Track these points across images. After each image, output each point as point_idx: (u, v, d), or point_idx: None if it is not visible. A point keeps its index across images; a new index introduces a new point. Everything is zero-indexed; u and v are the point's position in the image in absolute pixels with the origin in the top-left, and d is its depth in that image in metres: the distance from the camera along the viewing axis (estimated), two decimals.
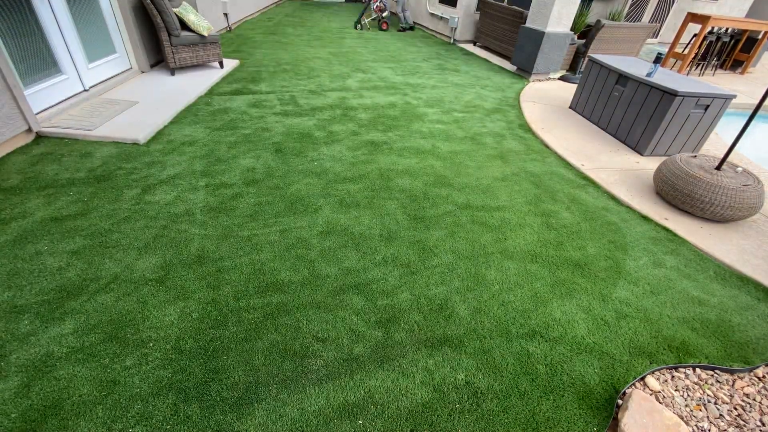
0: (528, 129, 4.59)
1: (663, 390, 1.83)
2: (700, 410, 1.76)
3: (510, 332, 2.04)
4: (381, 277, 2.30)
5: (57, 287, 2.04)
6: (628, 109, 4.25)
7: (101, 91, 4.24)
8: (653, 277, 2.49)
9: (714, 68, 8.02)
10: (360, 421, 1.60)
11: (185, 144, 3.53)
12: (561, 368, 1.88)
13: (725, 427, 1.70)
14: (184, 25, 4.95)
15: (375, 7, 9.53)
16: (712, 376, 1.93)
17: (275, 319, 1.99)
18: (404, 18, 9.70)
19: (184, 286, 2.12)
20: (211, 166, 3.24)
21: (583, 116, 5.04)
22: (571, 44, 6.53)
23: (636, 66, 4.52)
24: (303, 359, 1.81)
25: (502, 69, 7.00)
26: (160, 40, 4.91)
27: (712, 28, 7.37)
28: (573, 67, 6.82)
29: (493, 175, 3.50)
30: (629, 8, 10.16)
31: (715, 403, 1.79)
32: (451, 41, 8.73)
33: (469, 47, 8.44)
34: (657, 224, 3.01)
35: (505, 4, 7.54)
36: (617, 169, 3.78)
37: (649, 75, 4.08)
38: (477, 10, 8.41)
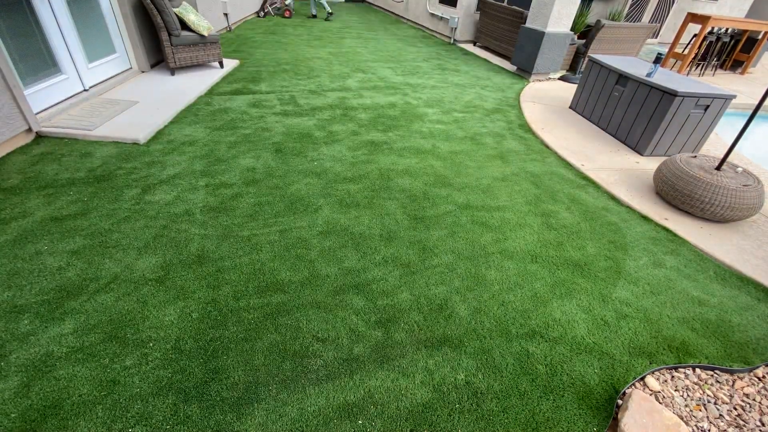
0: (528, 129, 4.59)
1: (663, 390, 1.83)
2: (700, 410, 1.76)
3: (510, 332, 2.04)
4: (381, 277, 2.30)
5: (57, 287, 2.04)
6: (628, 110, 4.25)
7: (101, 91, 4.24)
8: (653, 277, 2.49)
9: (714, 68, 8.02)
10: (360, 421, 1.60)
11: (185, 144, 3.53)
12: (561, 368, 1.88)
13: (725, 427, 1.70)
14: (184, 25, 4.95)
15: None
16: (712, 376, 1.93)
17: (275, 319, 1.99)
18: (315, 3, 10.10)
19: (184, 286, 2.12)
20: (211, 166, 3.24)
21: (583, 116, 5.04)
22: (571, 44, 6.53)
23: (636, 66, 4.52)
24: (303, 359, 1.81)
25: (502, 69, 7.00)
26: (160, 40, 4.91)
27: (712, 28, 7.37)
28: (573, 67, 6.82)
29: (493, 175, 3.50)
30: (629, 8, 10.16)
31: (715, 403, 1.80)
32: (451, 41, 8.73)
33: (469, 47, 8.44)
34: (657, 224, 3.01)
35: (505, 4, 7.55)
36: (617, 169, 3.78)
37: (649, 75, 4.08)
38: (477, 10, 8.41)
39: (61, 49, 3.76)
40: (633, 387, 1.84)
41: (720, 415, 1.75)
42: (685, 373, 1.93)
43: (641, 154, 4.11)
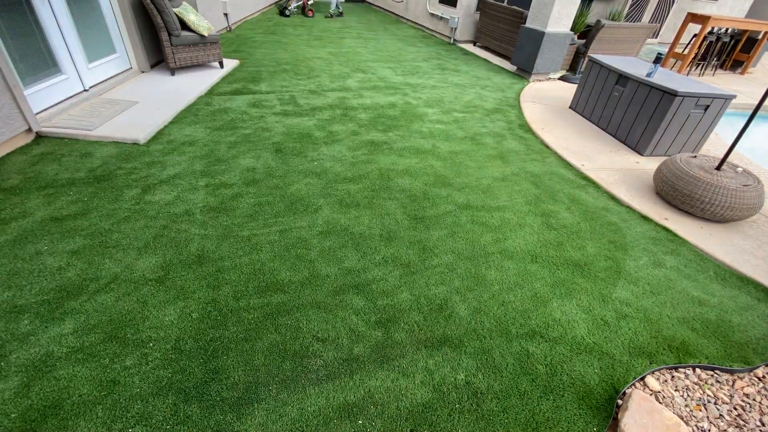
0: (528, 129, 4.59)
1: (663, 390, 1.83)
2: (700, 410, 1.76)
3: (510, 332, 2.04)
4: (381, 277, 2.30)
5: (57, 287, 2.04)
6: (628, 109, 4.25)
7: (101, 91, 4.24)
8: (653, 277, 2.49)
9: (714, 68, 8.02)
10: (360, 421, 1.60)
11: (185, 144, 3.53)
12: (561, 368, 1.88)
13: (725, 427, 1.70)
14: (184, 25, 4.95)
15: None
16: (712, 376, 1.93)
17: (275, 319, 1.99)
18: (335, 4, 10.47)
19: (184, 286, 2.12)
20: (211, 166, 3.24)
21: (583, 116, 5.04)
22: (571, 44, 6.53)
23: (636, 66, 4.52)
24: (303, 359, 1.81)
25: (502, 69, 7.00)
26: (160, 40, 4.91)
27: (712, 28, 7.37)
28: (573, 67, 6.82)
29: (493, 175, 3.50)
30: (629, 8, 10.16)
31: (715, 403, 1.80)
32: (451, 41, 8.74)
33: (469, 47, 8.44)
34: (657, 224, 3.01)
35: (505, 4, 7.55)
36: (617, 169, 3.78)
37: (649, 75, 4.08)
38: (477, 10, 8.41)
39: (61, 49, 3.76)
40: (633, 387, 1.84)
41: (720, 415, 1.75)
42: (685, 373, 1.93)
43: (641, 154, 4.11)
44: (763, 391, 1.88)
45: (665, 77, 4.10)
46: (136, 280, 2.13)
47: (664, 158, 4.05)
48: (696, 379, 1.90)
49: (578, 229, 2.89)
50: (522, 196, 3.24)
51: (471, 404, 1.70)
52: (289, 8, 10.14)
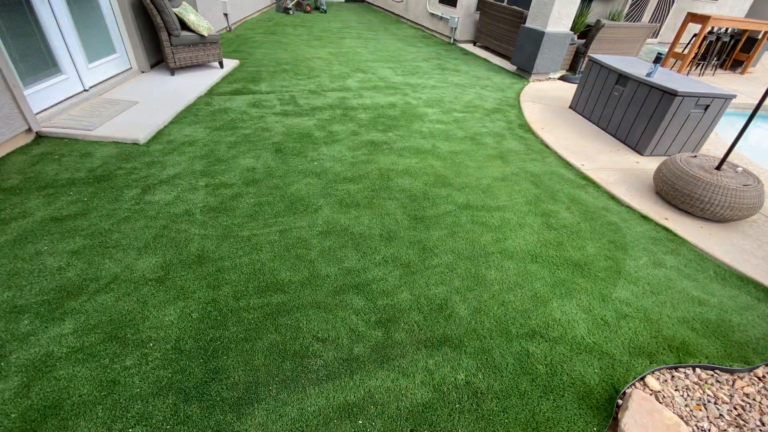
0: (528, 129, 4.59)
1: (663, 390, 1.83)
2: (700, 410, 1.76)
3: (510, 332, 2.04)
4: (381, 277, 2.30)
5: (57, 287, 2.04)
6: (628, 109, 4.25)
7: (101, 91, 4.24)
8: (653, 277, 2.49)
9: (714, 68, 8.02)
10: (360, 421, 1.60)
11: (185, 144, 3.53)
12: (561, 368, 1.88)
13: (725, 427, 1.70)
14: (184, 25, 4.95)
15: None
16: (712, 376, 1.93)
17: (275, 319, 1.99)
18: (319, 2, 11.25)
19: (184, 286, 2.12)
20: (211, 166, 3.24)
21: (583, 116, 5.04)
22: (571, 44, 6.54)
23: (636, 66, 4.52)
24: (303, 359, 1.81)
25: (502, 69, 7.00)
26: (160, 40, 4.91)
27: (712, 28, 7.37)
28: (573, 67, 6.82)
29: (493, 175, 3.50)
30: (629, 8, 10.16)
31: (715, 403, 1.80)
32: (451, 41, 8.74)
33: (469, 47, 8.44)
34: (657, 224, 3.01)
35: (505, 4, 7.54)
36: (617, 169, 3.78)
37: (648, 75, 4.08)
38: (477, 10, 8.41)
39: (61, 49, 3.76)
40: (633, 387, 1.84)
41: (720, 414, 1.75)
42: (685, 372, 1.93)
43: (641, 154, 4.11)
44: (763, 391, 1.88)
45: (665, 77, 4.10)
46: (136, 280, 2.13)
47: (664, 158, 4.05)
48: (696, 379, 1.90)
49: (578, 229, 2.89)
50: (522, 196, 3.23)
51: (471, 404, 1.70)
52: (289, 6, 10.45)
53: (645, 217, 3.09)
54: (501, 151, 3.97)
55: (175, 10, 4.80)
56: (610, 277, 2.46)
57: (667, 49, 7.69)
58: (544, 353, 1.95)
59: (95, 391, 1.61)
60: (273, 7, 11.37)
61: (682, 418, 1.71)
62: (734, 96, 3.74)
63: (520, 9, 6.75)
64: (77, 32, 3.96)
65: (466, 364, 1.86)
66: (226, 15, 7.62)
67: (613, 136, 4.52)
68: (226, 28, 7.82)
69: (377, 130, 4.14)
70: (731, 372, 1.95)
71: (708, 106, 3.75)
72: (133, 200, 2.75)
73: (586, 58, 5.94)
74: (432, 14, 9.44)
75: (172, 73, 5.00)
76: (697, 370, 1.95)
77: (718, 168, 3.11)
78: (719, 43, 7.44)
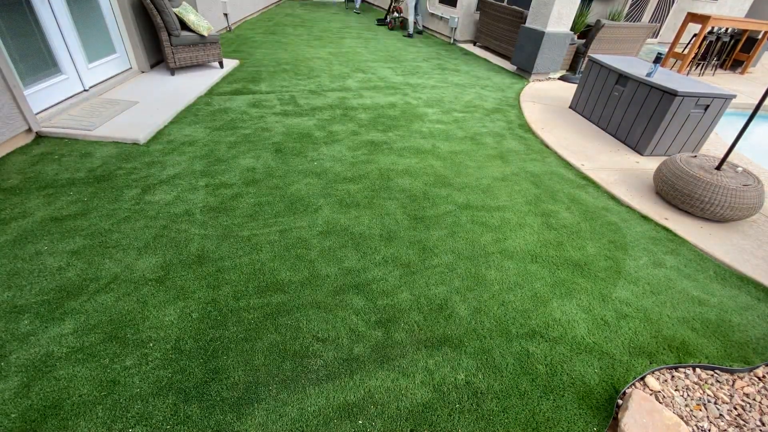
0: (528, 129, 4.59)
1: (663, 390, 1.83)
2: (700, 410, 1.76)
3: (510, 332, 2.04)
4: (381, 277, 2.30)
5: (57, 287, 2.04)
6: (628, 109, 4.25)
7: (101, 91, 4.24)
8: (653, 277, 2.49)
9: (714, 68, 8.02)
10: (360, 421, 1.60)
11: (185, 144, 3.53)
12: (561, 368, 1.88)
13: (725, 427, 1.70)
14: (184, 25, 4.95)
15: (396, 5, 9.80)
16: (712, 376, 1.93)
17: (275, 319, 1.99)
18: (414, 23, 9.23)
19: (184, 286, 2.12)
20: (211, 166, 3.24)
21: (583, 116, 5.04)
22: (571, 44, 6.53)
23: (636, 66, 4.52)
24: (303, 359, 1.81)
25: (502, 69, 7.00)
26: (160, 40, 4.91)
27: (712, 28, 7.37)
28: (573, 67, 6.81)
29: (493, 175, 3.50)
30: (629, 8, 10.16)
31: (715, 403, 1.80)
32: (451, 41, 8.73)
33: (469, 47, 8.44)
34: (657, 224, 3.01)
35: (505, 4, 7.54)
36: (617, 169, 3.78)
37: (648, 75, 4.08)
38: (477, 10, 8.41)
39: (61, 49, 3.76)
40: (633, 387, 1.84)
41: (720, 414, 1.75)
42: (685, 372, 1.93)
43: (641, 154, 4.11)
44: (763, 391, 1.88)
45: (665, 77, 4.10)
46: (136, 280, 2.13)
47: (664, 158, 4.05)
48: (696, 379, 1.90)
49: (578, 229, 2.89)
50: (522, 196, 3.23)
51: (471, 404, 1.70)
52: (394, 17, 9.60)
53: (645, 217, 3.09)
54: (501, 151, 3.97)
55: (175, 10, 4.80)
56: (610, 277, 2.46)
57: (667, 49, 7.69)
58: (544, 353, 1.95)
59: (95, 391, 1.61)
60: (272, 6, 11.36)
61: (682, 418, 1.71)
62: (734, 96, 3.74)
63: (520, 9, 6.75)
64: (77, 32, 3.96)
65: (466, 364, 1.86)
66: (226, 15, 7.62)
67: (613, 136, 4.52)
68: (226, 28, 7.82)
69: (377, 130, 4.14)
70: (731, 372, 1.95)
71: (708, 106, 3.75)
72: (133, 200, 2.74)
73: (586, 58, 5.94)
74: (432, 14, 9.43)
75: (172, 73, 5.00)
76: (697, 370, 1.95)
77: (718, 168, 3.11)
78: (719, 43, 7.44)
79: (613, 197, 3.34)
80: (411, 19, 8.86)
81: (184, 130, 3.76)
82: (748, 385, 1.90)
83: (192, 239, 2.45)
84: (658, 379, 1.88)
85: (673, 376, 1.91)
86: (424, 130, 4.27)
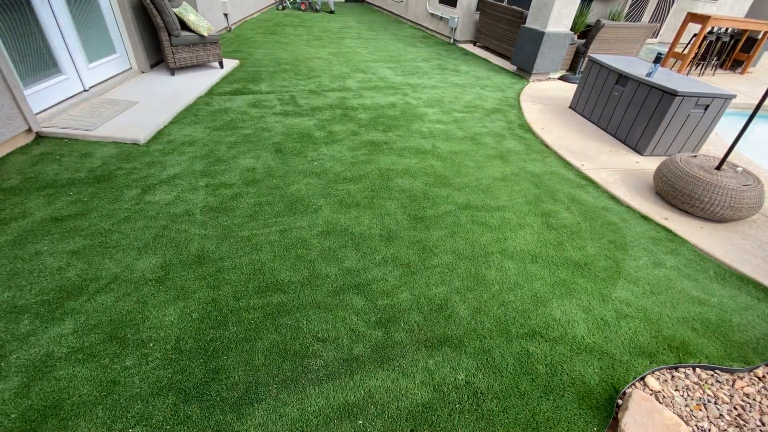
0: (528, 129, 4.59)
1: (663, 390, 1.83)
2: (700, 410, 1.76)
3: (510, 332, 2.04)
4: (381, 277, 2.30)
5: (57, 287, 2.04)
6: (628, 109, 4.25)
7: (101, 91, 4.24)
8: (653, 277, 2.49)
9: (714, 68, 8.02)
10: (360, 421, 1.60)
11: (185, 144, 3.53)
12: (561, 368, 1.88)
13: (725, 427, 1.70)
14: (184, 25, 4.95)
15: None
16: (712, 376, 1.93)
17: (275, 319, 1.99)
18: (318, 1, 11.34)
19: (184, 286, 2.12)
20: (211, 166, 3.24)
21: (583, 116, 5.04)
22: (571, 44, 6.53)
23: (636, 66, 4.52)
24: (303, 359, 1.81)
25: (502, 69, 7.00)
26: (160, 40, 4.92)
27: (712, 28, 7.37)
28: (573, 67, 6.82)
29: (493, 175, 3.50)
30: (629, 8, 10.16)
31: (715, 403, 1.80)
32: (451, 41, 8.74)
33: (469, 47, 8.44)
34: (657, 224, 3.01)
35: (505, 4, 7.55)
36: (617, 169, 3.78)
37: (648, 75, 4.08)
38: (477, 10, 8.41)
39: (61, 50, 3.76)
40: (633, 387, 1.84)
41: (720, 414, 1.75)
42: (685, 372, 1.93)
43: (641, 154, 4.11)
44: (763, 391, 1.88)
45: (665, 77, 4.10)
46: (136, 281, 2.13)
47: (664, 158, 4.05)
48: (696, 379, 1.90)
49: (578, 229, 2.89)
50: (522, 196, 3.23)
51: (471, 404, 1.70)
52: (285, 3, 11.27)
53: (645, 217, 3.09)
54: (501, 151, 3.97)
55: (175, 10, 4.80)
56: (610, 277, 2.46)
57: (667, 49, 7.69)
58: (544, 353, 1.95)
59: (95, 391, 1.61)
60: (273, 7, 11.37)
61: (682, 418, 1.71)
62: (734, 96, 3.74)
63: (520, 9, 6.75)
64: (77, 32, 3.96)
65: (466, 364, 1.86)
66: (226, 15, 7.63)
67: (613, 136, 4.52)
68: (226, 28, 7.82)
69: (377, 130, 4.14)
70: (731, 372, 1.95)
71: (708, 106, 3.75)
72: (133, 200, 2.75)
73: (586, 58, 5.94)
74: (432, 14, 9.44)
75: (172, 73, 5.00)
76: (697, 370, 1.95)
77: (718, 168, 3.11)
78: (719, 43, 7.44)
79: (613, 197, 3.34)
80: None
81: (184, 130, 3.76)
82: (748, 385, 1.90)
83: (192, 239, 2.45)
84: (658, 379, 1.88)
85: (673, 376, 1.91)
86: (424, 130, 4.27)
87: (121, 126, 3.62)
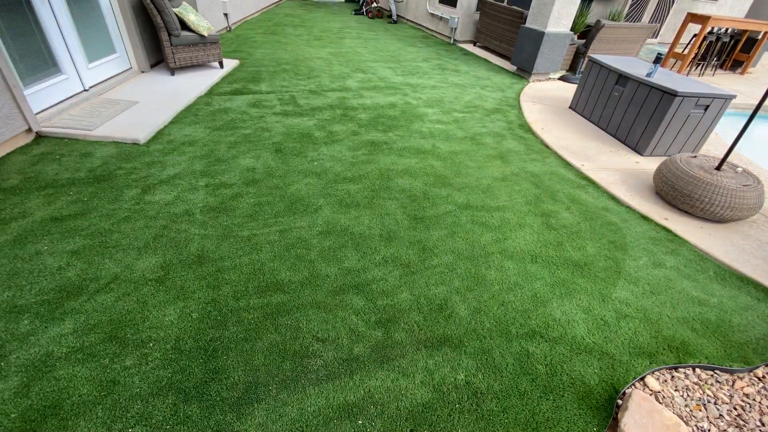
0: (528, 129, 4.59)
1: (663, 390, 1.83)
2: (700, 410, 1.76)
3: (510, 332, 2.04)
4: (381, 277, 2.30)
5: (57, 287, 2.04)
6: (628, 110, 4.25)
7: (101, 91, 4.24)
8: (653, 277, 2.49)
9: (714, 68, 8.02)
10: (360, 421, 1.60)
11: (185, 144, 3.53)
12: (561, 368, 1.88)
13: (725, 427, 1.70)
14: (184, 25, 4.95)
15: None
16: (712, 376, 1.93)
17: (275, 319, 1.99)
18: (392, 11, 10.96)
19: (184, 286, 2.12)
20: (211, 166, 3.24)
21: (583, 116, 5.04)
22: (571, 44, 6.53)
23: (636, 66, 4.52)
24: (303, 359, 1.81)
25: (502, 69, 7.00)
26: (160, 40, 4.92)
27: (712, 28, 7.37)
28: (573, 67, 6.82)
29: (493, 175, 3.50)
30: (629, 8, 10.16)
31: (715, 403, 1.80)
32: (451, 41, 8.74)
33: (469, 47, 8.44)
34: (657, 224, 3.01)
35: (505, 4, 7.55)
36: (617, 169, 3.78)
37: (648, 75, 4.08)
38: (477, 10, 8.41)
39: (61, 49, 3.76)
40: (633, 387, 1.84)
41: (720, 415, 1.75)
42: (685, 373, 1.93)
43: (641, 154, 4.11)
44: (762, 391, 1.88)
45: (665, 77, 4.10)
46: (136, 280, 2.13)
47: (664, 158, 4.05)
48: (696, 379, 1.90)
49: (578, 229, 2.89)
50: (522, 196, 3.24)
51: (471, 404, 1.70)
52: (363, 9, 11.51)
53: (645, 218, 3.09)
54: (501, 152, 3.97)
55: (175, 10, 4.80)
56: (610, 278, 2.46)
57: (667, 50, 7.69)
58: (544, 353, 1.95)
59: (95, 391, 1.61)
60: (272, 6, 11.37)
61: (681, 419, 1.71)
62: (734, 96, 3.74)
63: (520, 9, 6.75)
64: (77, 32, 3.96)
65: (466, 364, 1.86)
66: (226, 15, 7.62)
67: (613, 136, 4.52)
68: (226, 28, 7.82)
69: (377, 130, 4.14)
70: (731, 372, 1.95)
71: (708, 106, 3.75)
72: (133, 200, 2.75)
73: (586, 58, 5.94)
74: (432, 14, 9.44)
75: (172, 73, 5.00)
76: (697, 370, 1.95)
77: (718, 168, 3.11)
78: (719, 44, 7.44)
79: (613, 197, 3.34)
80: (393, 7, 10.77)
81: (184, 130, 3.76)
82: (747, 386, 1.90)
83: (192, 239, 2.45)
84: (657, 379, 1.88)
85: (673, 377, 1.91)
86: (424, 130, 4.27)
87: (121, 126, 3.62)
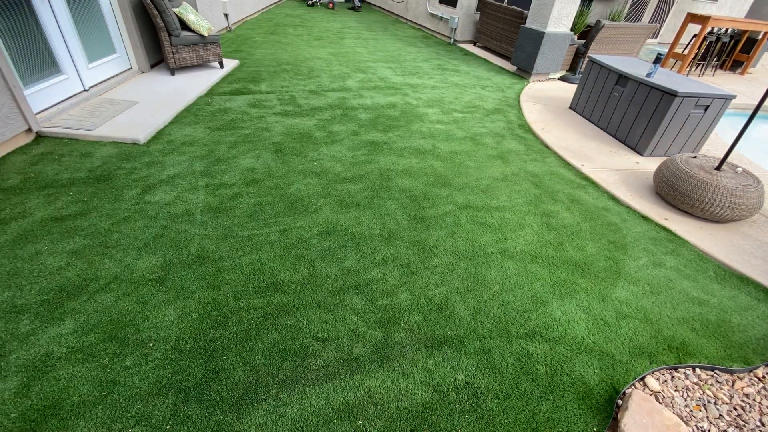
0: (528, 129, 4.59)
1: (663, 390, 1.83)
2: (700, 410, 1.76)
3: (510, 332, 2.04)
4: (381, 277, 2.30)
5: (57, 287, 2.04)
6: (627, 110, 4.25)
7: (101, 91, 4.24)
8: (653, 278, 2.49)
9: (714, 69, 8.02)
10: (360, 421, 1.60)
11: (185, 144, 3.53)
12: (561, 368, 1.88)
13: (725, 428, 1.70)
14: (184, 25, 4.95)
15: None
16: (712, 376, 1.93)
17: (275, 319, 1.99)
18: None
19: (184, 286, 2.12)
20: (211, 166, 3.24)
21: (583, 116, 5.05)
22: (571, 44, 6.54)
23: (636, 66, 4.52)
24: (303, 359, 1.81)
25: (502, 69, 7.01)
26: (160, 40, 4.91)
27: (712, 28, 7.38)
28: (573, 68, 6.82)
29: (493, 176, 3.50)
30: (629, 8, 10.16)
31: (715, 404, 1.80)
32: (451, 41, 8.74)
33: (469, 47, 8.44)
34: (657, 224, 3.01)
35: (505, 4, 7.55)
36: (617, 170, 3.78)
37: (648, 75, 4.08)
38: (477, 10, 8.42)
39: (61, 50, 3.76)
40: (633, 387, 1.84)
41: (720, 415, 1.75)
42: (685, 373, 1.93)
43: (641, 154, 4.11)
44: (762, 392, 1.88)
45: (665, 77, 4.10)
46: (136, 280, 2.13)
47: (664, 158, 4.05)
48: (696, 379, 1.90)
49: (578, 229, 2.89)
50: (522, 196, 3.24)
51: (471, 404, 1.70)
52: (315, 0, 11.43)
53: (645, 218, 3.09)
54: (501, 152, 3.97)
55: (176, 10, 4.80)
56: (610, 278, 2.46)
57: (667, 50, 7.69)
58: (544, 353, 1.95)
59: (95, 391, 1.61)
60: (272, 6, 11.37)
61: (682, 419, 1.71)
62: (734, 96, 3.74)
63: (520, 9, 6.75)
64: (77, 32, 3.96)
65: (466, 364, 1.86)
66: (226, 15, 7.62)
67: (613, 136, 4.52)
68: (227, 28, 7.82)
69: (377, 131, 4.14)
70: (731, 372, 1.95)
71: (708, 106, 3.75)
72: (133, 200, 2.75)
73: (586, 59, 5.94)
74: (432, 14, 9.44)
75: (172, 73, 5.00)
76: (697, 370, 1.95)
77: (718, 168, 3.11)
78: (719, 44, 7.44)
79: (613, 197, 3.34)
80: None
81: (184, 130, 3.76)
82: (747, 386, 1.90)
83: (192, 239, 2.45)
84: (658, 379, 1.88)
85: (673, 377, 1.91)
86: (424, 130, 4.27)
87: (121, 126, 3.62)
